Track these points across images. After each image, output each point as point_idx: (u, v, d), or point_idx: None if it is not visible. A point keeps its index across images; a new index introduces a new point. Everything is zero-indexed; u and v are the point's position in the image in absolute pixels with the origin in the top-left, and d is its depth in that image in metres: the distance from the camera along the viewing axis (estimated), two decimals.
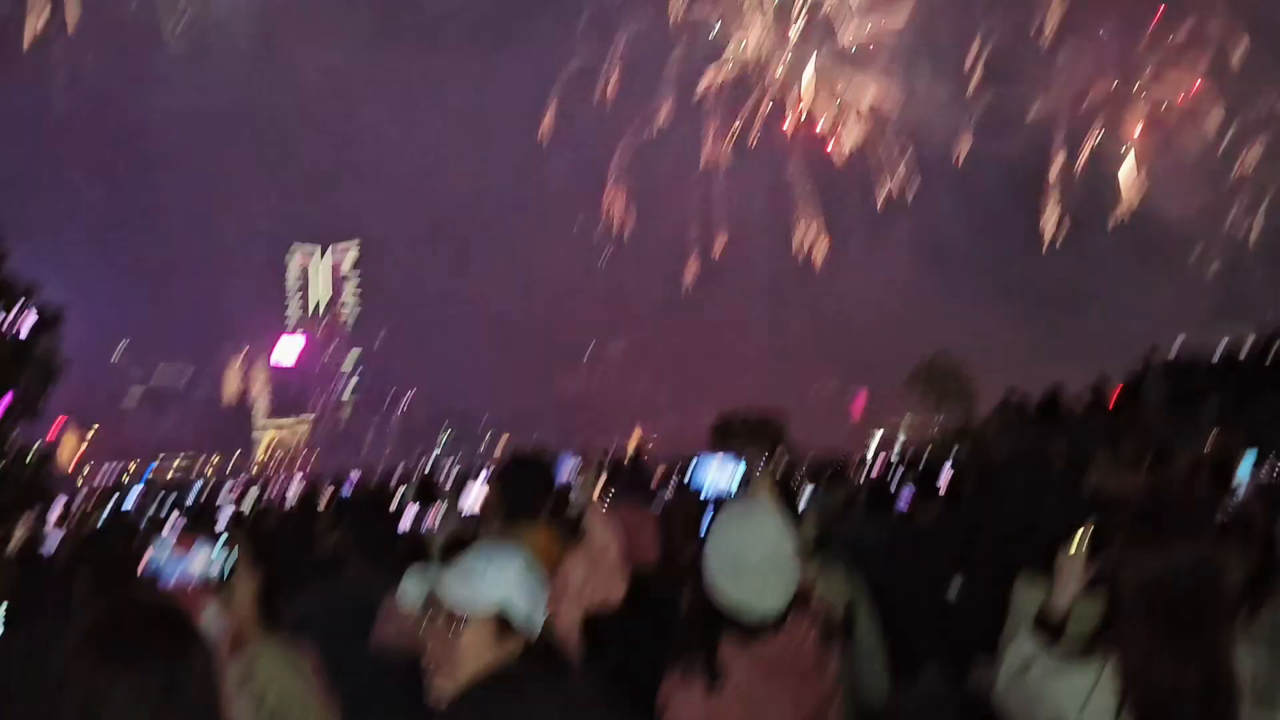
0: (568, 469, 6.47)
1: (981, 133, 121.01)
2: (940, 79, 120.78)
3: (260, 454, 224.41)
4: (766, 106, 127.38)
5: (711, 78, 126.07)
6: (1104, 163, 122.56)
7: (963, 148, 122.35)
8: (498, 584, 3.94)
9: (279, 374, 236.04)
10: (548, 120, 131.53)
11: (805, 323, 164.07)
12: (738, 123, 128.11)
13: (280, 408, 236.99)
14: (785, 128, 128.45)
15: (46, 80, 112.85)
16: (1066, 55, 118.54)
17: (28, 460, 26.86)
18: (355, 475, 26.62)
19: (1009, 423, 32.89)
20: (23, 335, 26.14)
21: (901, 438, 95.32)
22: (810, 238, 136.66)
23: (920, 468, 18.08)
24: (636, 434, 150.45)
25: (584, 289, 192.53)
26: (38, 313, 26.79)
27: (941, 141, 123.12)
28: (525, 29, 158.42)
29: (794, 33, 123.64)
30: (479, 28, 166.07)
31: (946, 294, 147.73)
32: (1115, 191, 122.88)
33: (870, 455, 47.43)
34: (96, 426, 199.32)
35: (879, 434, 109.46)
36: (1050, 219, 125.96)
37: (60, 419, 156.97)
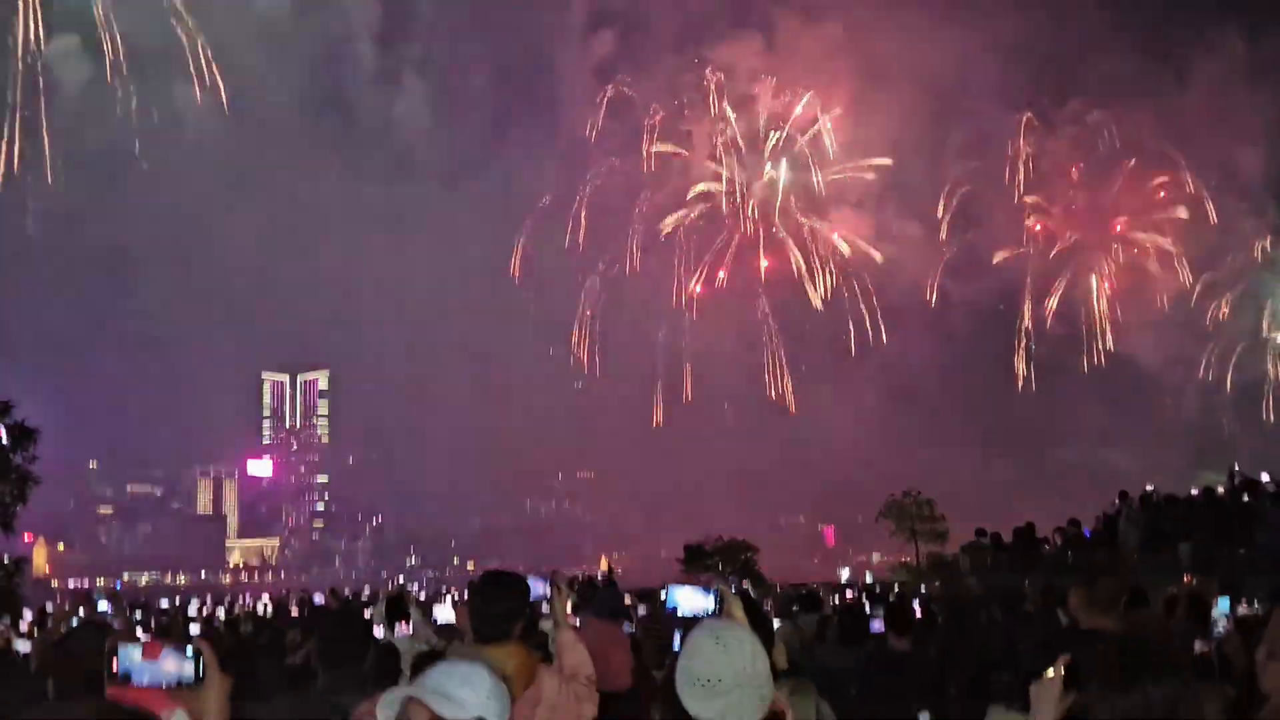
0: (539, 589, 6.44)
1: (953, 275, 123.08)
2: (912, 220, 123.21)
3: (230, 571, 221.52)
4: (735, 245, 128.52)
5: (681, 217, 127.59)
6: (1075, 308, 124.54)
7: (934, 289, 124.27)
8: (468, 700, 3.89)
9: (249, 494, 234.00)
10: (518, 254, 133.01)
11: (775, 457, 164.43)
12: (706, 259, 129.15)
13: (250, 527, 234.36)
14: (757, 265, 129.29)
15: (22, 203, 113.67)
16: (1038, 202, 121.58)
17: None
18: (324, 592, 26.21)
19: (981, 558, 32.73)
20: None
21: (871, 573, 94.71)
22: (780, 376, 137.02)
23: (892, 600, 17.93)
24: (604, 560, 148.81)
25: (553, 418, 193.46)
26: (12, 430, 26.71)
27: (913, 282, 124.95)
28: (496, 162, 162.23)
29: (766, 172, 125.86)
30: (449, 161, 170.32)
31: (917, 432, 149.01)
32: (1086, 336, 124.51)
33: (842, 586, 47.04)
34: (63, 544, 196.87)
35: (849, 568, 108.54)
36: (1021, 361, 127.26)
37: (32, 536, 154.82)
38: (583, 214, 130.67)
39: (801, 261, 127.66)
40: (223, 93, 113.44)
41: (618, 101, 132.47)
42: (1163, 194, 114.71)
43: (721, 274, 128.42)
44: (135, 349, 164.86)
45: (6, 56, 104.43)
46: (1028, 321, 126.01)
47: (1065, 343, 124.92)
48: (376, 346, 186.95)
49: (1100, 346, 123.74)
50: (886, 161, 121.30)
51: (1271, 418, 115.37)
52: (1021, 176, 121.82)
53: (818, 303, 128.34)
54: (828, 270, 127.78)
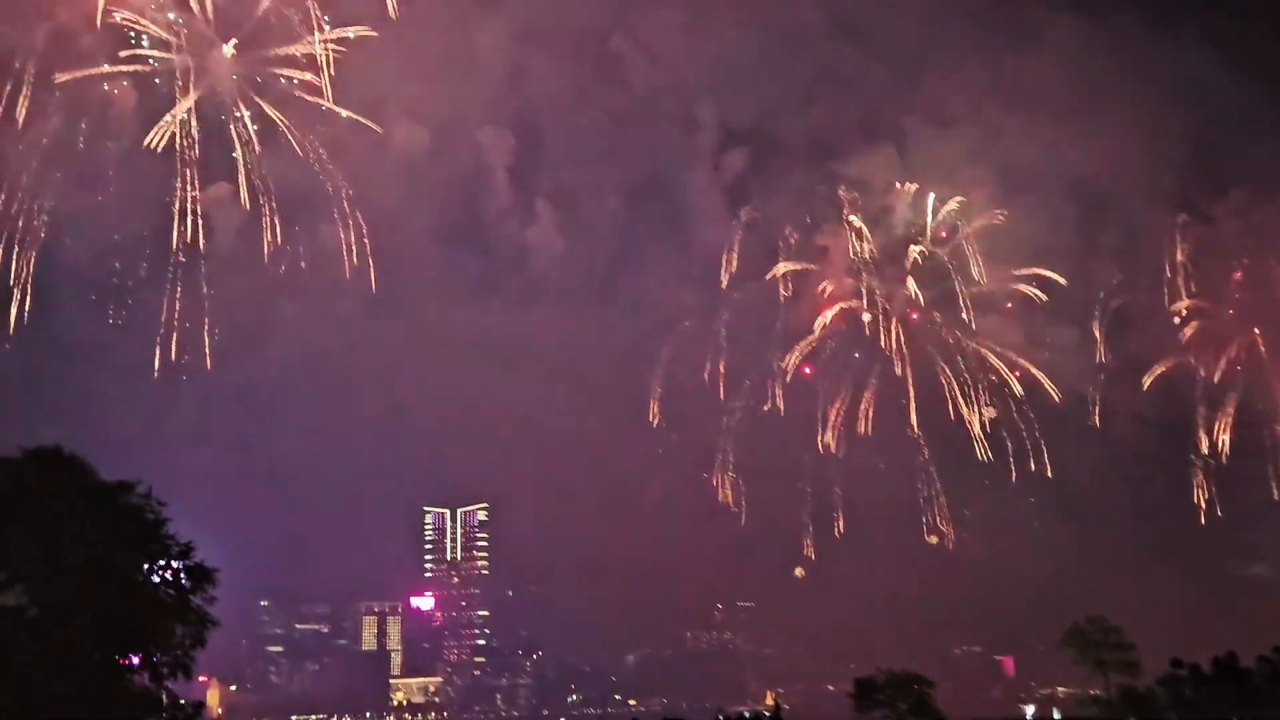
0: None
1: (1114, 385, 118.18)
2: (1065, 327, 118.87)
3: (394, 710, 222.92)
4: (879, 368, 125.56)
5: (819, 339, 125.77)
6: (1254, 416, 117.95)
7: (1096, 403, 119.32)
8: None
9: (413, 629, 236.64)
10: (657, 391, 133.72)
11: (941, 585, 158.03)
12: (849, 380, 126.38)
13: (413, 663, 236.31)
14: (904, 388, 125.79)
15: (198, 365, 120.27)
16: (1199, 305, 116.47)
17: (178, 717, 27.08)
18: None
19: (1180, 691, 30.61)
20: (178, 592, 26.97)
21: (1059, 708, 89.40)
22: (937, 501, 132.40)
23: None
24: (770, 696, 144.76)
25: (710, 550, 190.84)
26: (192, 571, 27.56)
27: (1072, 393, 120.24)
28: (629, 287, 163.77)
29: (909, 287, 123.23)
30: (583, 287, 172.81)
31: (1093, 554, 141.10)
32: (1273, 454, 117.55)
33: None
34: (234, 685, 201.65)
35: (1034, 703, 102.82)
36: (1200, 481, 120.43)
37: (207, 677, 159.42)
38: (721, 341, 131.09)
39: (951, 378, 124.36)
40: (365, 232, 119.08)
41: (751, 224, 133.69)
42: None
43: (867, 397, 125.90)
44: (295, 487, 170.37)
45: (166, 206, 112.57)
46: (1202, 434, 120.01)
47: (1246, 456, 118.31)
48: (532, 480, 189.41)
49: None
50: (1038, 272, 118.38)
51: None
52: (1181, 279, 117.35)
53: (976, 426, 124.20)
54: (979, 386, 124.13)
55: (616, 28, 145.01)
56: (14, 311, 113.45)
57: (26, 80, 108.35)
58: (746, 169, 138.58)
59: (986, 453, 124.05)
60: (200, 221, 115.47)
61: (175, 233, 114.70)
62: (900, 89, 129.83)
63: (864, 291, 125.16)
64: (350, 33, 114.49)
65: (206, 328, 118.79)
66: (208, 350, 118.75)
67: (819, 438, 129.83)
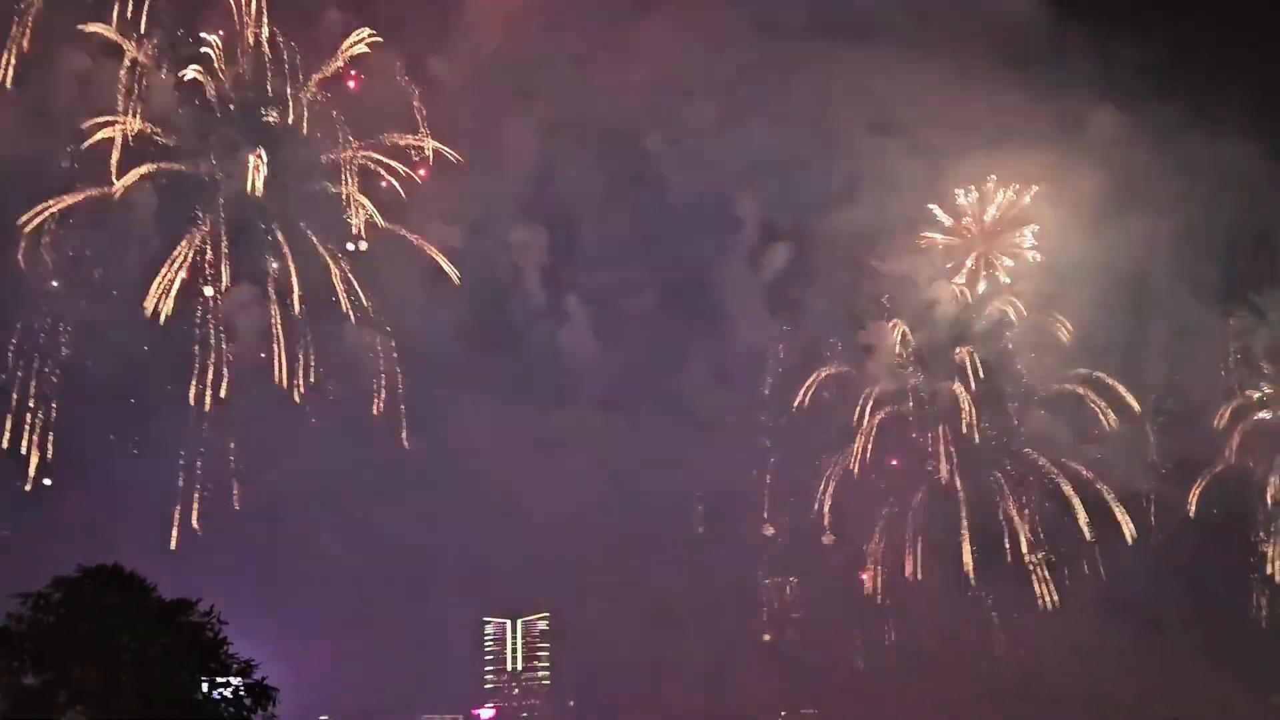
0: None
1: (1171, 490, 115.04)
2: (1116, 421, 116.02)
3: None
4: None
5: (861, 445, 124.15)
6: None
7: (1153, 507, 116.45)
8: None
9: None
10: (699, 510, 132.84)
11: (1004, 693, 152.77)
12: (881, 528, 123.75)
13: None
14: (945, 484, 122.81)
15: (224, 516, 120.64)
16: (1248, 401, 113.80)
17: None
18: None
19: None
20: (238, 710, 26.77)
21: None
22: (987, 620, 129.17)
23: None
24: None
25: (768, 653, 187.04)
26: (252, 689, 27.36)
27: (1125, 491, 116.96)
28: (666, 386, 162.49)
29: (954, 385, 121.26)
30: (618, 387, 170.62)
31: (1150, 664, 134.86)
32: None
33: None
34: None
35: None
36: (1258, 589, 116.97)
37: None
38: (766, 445, 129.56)
39: (1005, 492, 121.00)
40: (390, 335, 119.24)
41: (793, 325, 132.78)
42: None
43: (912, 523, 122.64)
44: (352, 600, 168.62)
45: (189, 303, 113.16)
46: (1263, 536, 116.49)
47: None
48: (590, 590, 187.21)
49: None
50: (1089, 372, 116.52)
51: None
52: (1233, 375, 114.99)
53: (1024, 539, 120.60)
54: (1028, 496, 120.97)
55: (651, 125, 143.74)
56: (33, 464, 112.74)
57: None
58: (786, 267, 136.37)
59: (1051, 595, 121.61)
60: (225, 378, 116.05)
61: (194, 389, 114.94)
62: (938, 183, 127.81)
63: (909, 393, 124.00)
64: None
65: (232, 467, 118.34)
66: (235, 494, 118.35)
67: (863, 574, 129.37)
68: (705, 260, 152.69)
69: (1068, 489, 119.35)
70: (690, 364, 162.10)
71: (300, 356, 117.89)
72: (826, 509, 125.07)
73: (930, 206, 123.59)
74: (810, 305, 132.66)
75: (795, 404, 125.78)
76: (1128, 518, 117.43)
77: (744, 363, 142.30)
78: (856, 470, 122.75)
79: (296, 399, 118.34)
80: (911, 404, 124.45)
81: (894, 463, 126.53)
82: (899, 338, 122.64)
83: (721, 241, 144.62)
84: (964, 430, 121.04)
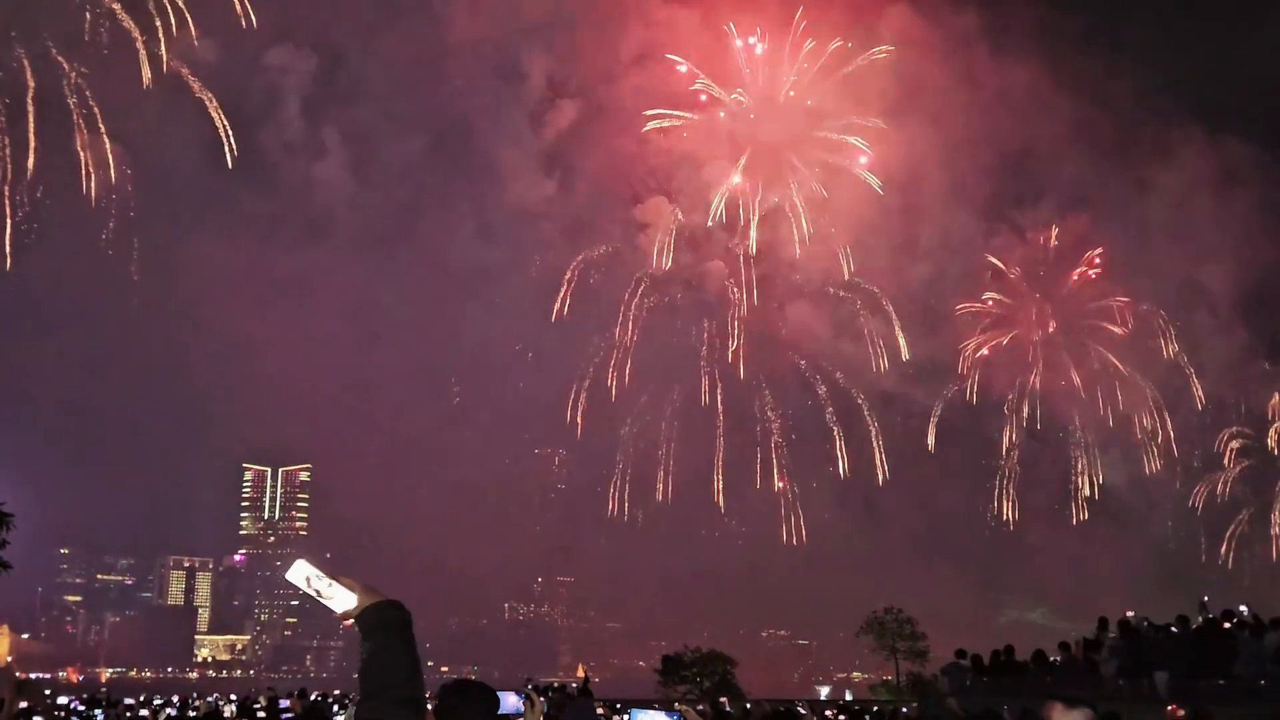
0: (510, 703, 6.43)
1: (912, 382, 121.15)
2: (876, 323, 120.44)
3: (198, 666, 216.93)
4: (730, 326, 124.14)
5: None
6: (1052, 446, 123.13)
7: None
8: None
9: (221, 589, 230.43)
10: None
11: (750, 572, 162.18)
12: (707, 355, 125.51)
13: (220, 622, 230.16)
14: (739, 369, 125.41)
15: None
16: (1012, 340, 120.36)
17: None
18: (290, 699, 25.74)
19: (961, 680, 32.39)
20: None
21: (851, 690, 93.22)
22: (773, 470, 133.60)
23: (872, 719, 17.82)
24: (581, 669, 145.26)
25: (532, 520, 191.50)
26: None
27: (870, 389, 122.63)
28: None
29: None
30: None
31: (897, 556, 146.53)
32: (1063, 469, 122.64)
33: (822, 703, 46.44)
34: (26, 634, 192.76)
35: (830, 685, 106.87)
36: (1000, 493, 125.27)
37: None
38: (529, 352, 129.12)
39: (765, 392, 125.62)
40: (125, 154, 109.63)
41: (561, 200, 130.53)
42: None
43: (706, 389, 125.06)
44: (110, 436, 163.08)
45: None
46: (1006, 459, 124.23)
47: (1041, 469, 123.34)
48: (354, 442, 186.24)
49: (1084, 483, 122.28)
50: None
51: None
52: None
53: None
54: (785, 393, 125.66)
55: None
56: None
57: None
58: (568, 129, 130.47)
59: (800, 533, 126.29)
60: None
61: None
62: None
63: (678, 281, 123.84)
64: None
65: None
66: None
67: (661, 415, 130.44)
68: (481, 109, 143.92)
69: (822, 388, 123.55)
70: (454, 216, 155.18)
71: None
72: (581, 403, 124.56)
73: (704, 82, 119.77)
74: (586, 172, 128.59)
75: (566, 280, 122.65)
76: (873, 417, 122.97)
77: (512, 223, 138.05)
78: (617, 363, 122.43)
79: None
80: (680, 294, 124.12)
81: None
82: (674, 218, 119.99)
83: (501, 93, 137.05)
84: (732, 322, 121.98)
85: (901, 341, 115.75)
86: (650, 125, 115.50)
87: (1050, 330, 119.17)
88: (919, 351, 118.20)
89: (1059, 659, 30.13)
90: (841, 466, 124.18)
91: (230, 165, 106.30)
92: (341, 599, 3.72)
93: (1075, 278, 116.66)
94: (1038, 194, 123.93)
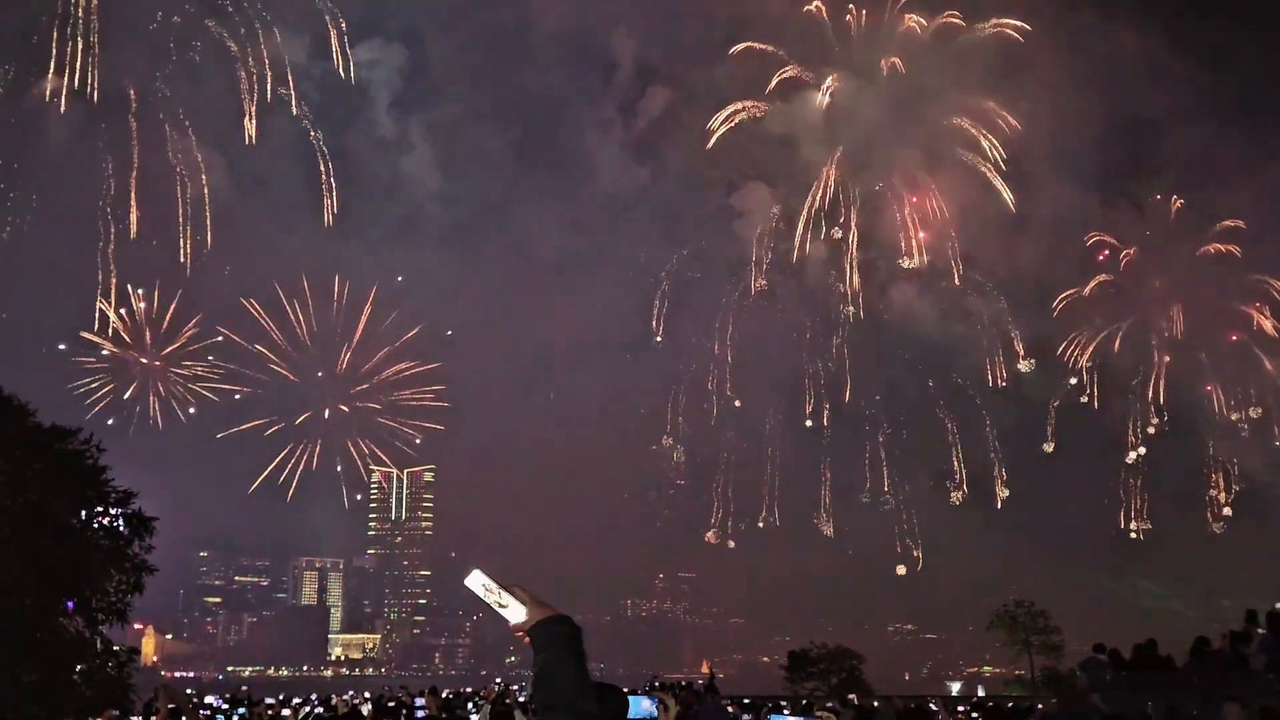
0: (643, 708, 6.33)
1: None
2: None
3: (331, 664, 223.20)
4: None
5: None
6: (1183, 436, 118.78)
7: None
8: None
9: (352, 588, 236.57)
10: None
11: (880, 567, 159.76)
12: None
13: (353, 620, 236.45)
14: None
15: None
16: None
17: (111, 662, 27.11)
18: (424, 697, 26.19)
19: (1100, 676, 31.33)
20: (118, 540, 26.93)
21: (983, 686, 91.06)
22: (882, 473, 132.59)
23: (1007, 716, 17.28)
24: (705, 665, 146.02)
25: (654, 518, 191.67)
26: (130, 519, 27.49)
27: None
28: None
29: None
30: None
31: (1028, 550, 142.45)
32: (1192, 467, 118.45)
33: (954, 699, 45.44)
34: (170, 635, 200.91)
35: (960, 681, 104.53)
36: (1129, 484, 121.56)
37: (143, 624, 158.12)
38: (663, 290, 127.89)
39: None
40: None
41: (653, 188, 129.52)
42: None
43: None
44: (241, 439, 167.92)
45: None
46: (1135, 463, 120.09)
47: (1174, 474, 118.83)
48: (478, 443, 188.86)
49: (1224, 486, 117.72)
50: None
51: None
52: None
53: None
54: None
55: None
56: None
57: None
58: (658, 116, 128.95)
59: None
60: None
61: None
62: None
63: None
64: None
65: None
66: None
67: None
68: (569, 98, 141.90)
69: (930, 381, 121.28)
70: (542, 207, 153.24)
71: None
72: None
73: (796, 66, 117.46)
74: (678, 160, 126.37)
75: (664, 273, 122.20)
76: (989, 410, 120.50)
77: (603, 213, 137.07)
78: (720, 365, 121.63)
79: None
80: (781, 282, 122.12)
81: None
82: (772, 205, 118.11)
83: (589, 81, 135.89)
84: (837, 310, 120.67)
85: (1014, 333, 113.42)
86: (739, 111, 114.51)
87: (1176, 313, 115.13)
88: (1033, 338, 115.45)
89: (1207, 650, 28.93)
90: (958, 463, 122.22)
91: (323, 172, 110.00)
92: (514, 610, 3.77)
93: (1204, 253, 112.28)
94: (1157, 166, 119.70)
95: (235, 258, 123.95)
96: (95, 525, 27.98)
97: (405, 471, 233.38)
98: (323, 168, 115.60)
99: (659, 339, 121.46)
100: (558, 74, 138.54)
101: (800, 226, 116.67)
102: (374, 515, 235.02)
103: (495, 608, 3.79)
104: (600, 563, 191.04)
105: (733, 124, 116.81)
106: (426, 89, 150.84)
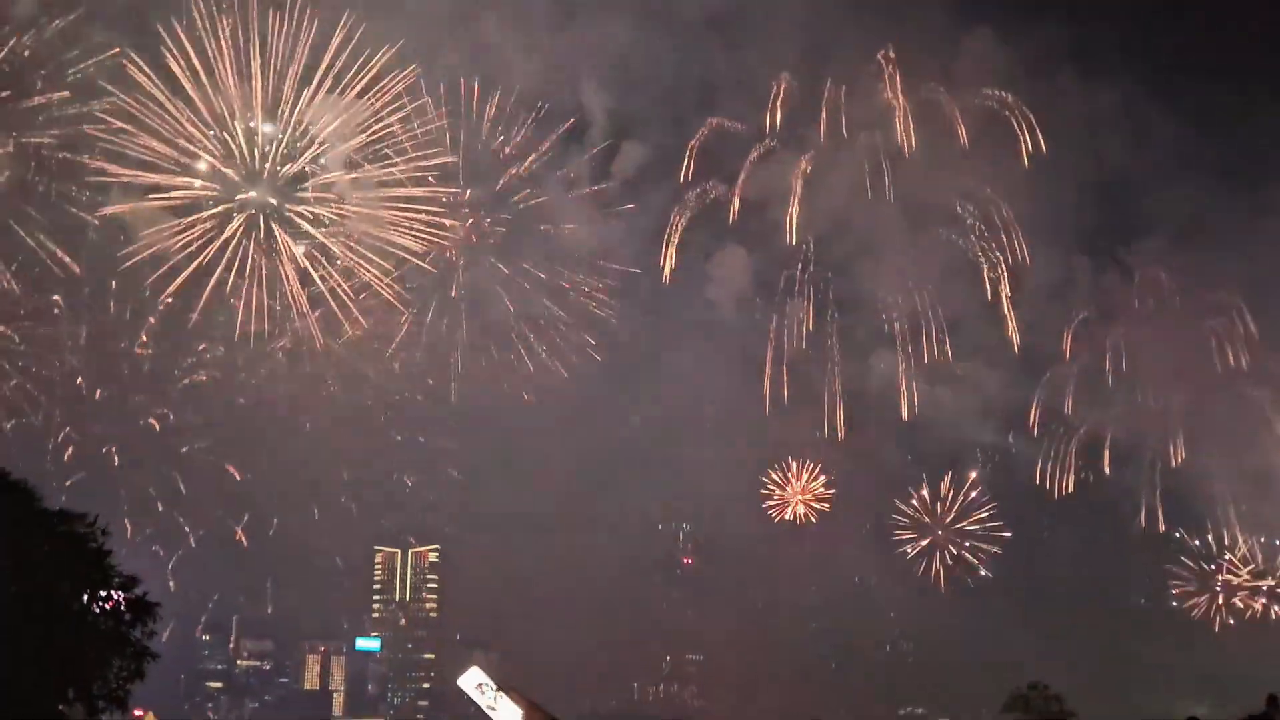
0: None
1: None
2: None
3: None
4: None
5: None
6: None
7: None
8: None
9: (355, 672, 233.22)
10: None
11: (886, 653, 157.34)
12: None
13: (357, 705, 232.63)
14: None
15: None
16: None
17: None
18: None
19: None
20: (117, 624, 26.73)
21: None
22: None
23: None
24: None
25: (657, 601, 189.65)
26: (132, 604, 27.31)
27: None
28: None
29: None
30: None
31: (1030, 630, 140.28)
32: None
33: None
34: None
35: None
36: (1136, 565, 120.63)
37: (143, 710, 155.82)
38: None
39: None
40: None
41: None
42: None
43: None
44: (244, 521, 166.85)
45: None
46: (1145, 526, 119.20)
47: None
48: (485, 522, 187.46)
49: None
50: None
51: None
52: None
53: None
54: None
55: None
56: None
57: None
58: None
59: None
60: None
61: None
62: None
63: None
64: None
65: None
66: None
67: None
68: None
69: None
70: None
71: None
72: None
73: None
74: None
75: None
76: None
77: None
78: None
79: None
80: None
81: None
82: None
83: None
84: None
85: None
86: None
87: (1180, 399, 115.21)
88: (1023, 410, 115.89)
89: None
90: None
91: None
92: (506, 713, 3.66)
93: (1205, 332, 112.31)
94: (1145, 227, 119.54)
95: None
96: (98, 609, 27.79)
97: (410, 552, 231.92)
98: None
99: None
100: None
101: None
102: (378, 597, 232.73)
103: (486, 710, 3.67)
104: (605, 644, 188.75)
105: None
106: None
